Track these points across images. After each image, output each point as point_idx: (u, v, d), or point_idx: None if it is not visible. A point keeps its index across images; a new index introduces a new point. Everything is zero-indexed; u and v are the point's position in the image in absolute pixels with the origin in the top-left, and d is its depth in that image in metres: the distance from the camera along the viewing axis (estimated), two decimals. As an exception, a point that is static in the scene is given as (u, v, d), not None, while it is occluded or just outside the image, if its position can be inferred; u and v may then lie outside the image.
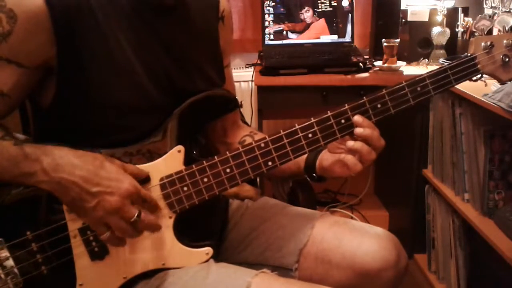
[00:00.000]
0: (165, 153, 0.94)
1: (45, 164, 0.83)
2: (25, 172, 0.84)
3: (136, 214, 0.85)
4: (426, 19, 2.19)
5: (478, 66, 0.98)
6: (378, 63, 2.12)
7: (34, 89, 0.92)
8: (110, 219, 0.85)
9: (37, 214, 0.90)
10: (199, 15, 1.04)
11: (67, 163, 0.84)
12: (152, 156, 0.93)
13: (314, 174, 1.06)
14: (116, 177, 0.85)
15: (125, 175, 0.86)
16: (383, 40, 2.08)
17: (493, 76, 1.00)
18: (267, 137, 0.94)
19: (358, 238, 1.06)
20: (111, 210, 0.84)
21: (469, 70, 0.98)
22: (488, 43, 0.98)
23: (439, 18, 2.15)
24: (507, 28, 1.74)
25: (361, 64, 2.07)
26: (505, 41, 0.98)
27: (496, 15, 1.86)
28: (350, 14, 2.26)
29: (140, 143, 0.94)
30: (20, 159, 0.84)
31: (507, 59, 0.98)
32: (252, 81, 2.24)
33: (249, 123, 2.25)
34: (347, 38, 2.28)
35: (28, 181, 0.84)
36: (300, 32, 2.27)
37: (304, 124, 0.94)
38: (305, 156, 1.03)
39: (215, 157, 0.93)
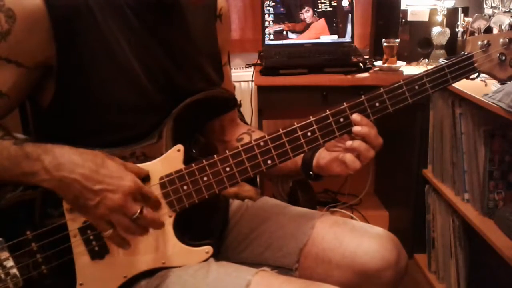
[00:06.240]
0: (161, 155, 0.93)
1: (46, 163, 0.83)
2: (26, 172, 0.84)
3: (138, 211, 0.85)
4: (426, 19, 2.19)
5: (475, 64, 0.98)
6: (378, 63, 2.11)
7: (33, 89, 0.92)
8: (113, 216, 0.85)
9: (32, 218, 0.90)
10: (197, 14, 1.05)
11: (68, 161, 0.84)
12: (146, 159, 0.93)
13: (310, 172, 1.06)
14: (117, 175, 0.85)
15: (126, 172, 0.87)
16: (383, 40, 2.08)
17: (489, 74, 1.00)
18: (266, 135, 0.94)
19: (358, 238, 1.06)
20: (113, 207, 0.84)
21: (466, 69, 0.98)
22: (485, 41, 0.98)
23: (439, 18, 2.15)
24: (503, 27, 1.74)
25: (361, 64, 2.07)
26: (501, 40, 0.98)
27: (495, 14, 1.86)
28: (350, 14, 2.26)
29: (135, 146, 0.94)
30: (21, 158, 0.84)
31: (503, 58, 0.98)
32: (252, 81, 2.24)
33: (249, 123, 2.25)
34: (347, 38, 2.28)
35: (29, 180, 0.85)
36: (300, 32, 2.27)
37: (303, 123, 0.94)
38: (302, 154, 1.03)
39: (215, 156, 0.93)
